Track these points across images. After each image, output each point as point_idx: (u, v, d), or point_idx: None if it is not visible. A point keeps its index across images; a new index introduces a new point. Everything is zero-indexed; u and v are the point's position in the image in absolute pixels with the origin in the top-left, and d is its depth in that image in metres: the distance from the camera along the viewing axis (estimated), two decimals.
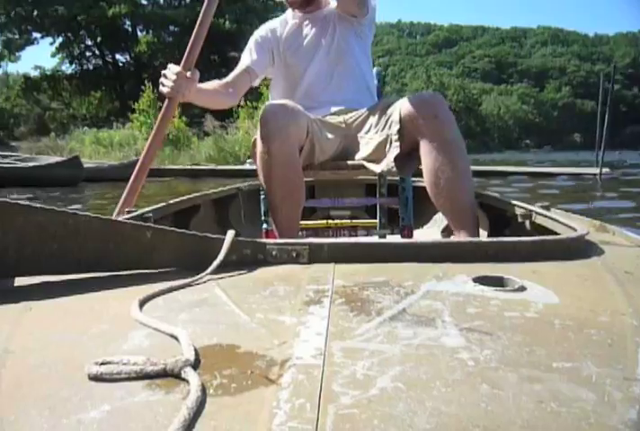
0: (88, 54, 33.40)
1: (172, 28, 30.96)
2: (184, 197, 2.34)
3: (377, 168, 1.80)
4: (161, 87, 1.73)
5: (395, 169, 1.78)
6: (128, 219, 1.40)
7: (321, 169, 1.97)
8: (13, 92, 33.17)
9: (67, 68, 33.78)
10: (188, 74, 1.73)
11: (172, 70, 1.71)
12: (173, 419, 0.45)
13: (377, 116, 1.83)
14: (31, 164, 11.03)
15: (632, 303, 0.77)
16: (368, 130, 1.85)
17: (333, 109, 1.96)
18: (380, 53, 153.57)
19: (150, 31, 31.77)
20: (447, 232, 2.83)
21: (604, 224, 1.49)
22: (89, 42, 32.90)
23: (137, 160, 1.81)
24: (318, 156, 1.87)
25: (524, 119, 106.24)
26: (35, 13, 29.60)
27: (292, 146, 1.65)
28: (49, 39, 32.23)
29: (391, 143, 1.71)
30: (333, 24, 2.03)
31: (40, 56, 40.15)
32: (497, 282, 0.86)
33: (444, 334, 0.65)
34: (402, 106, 1.68)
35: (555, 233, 1.36)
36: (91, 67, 33.50)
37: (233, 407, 0.49)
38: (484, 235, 2.30)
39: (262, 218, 2.01)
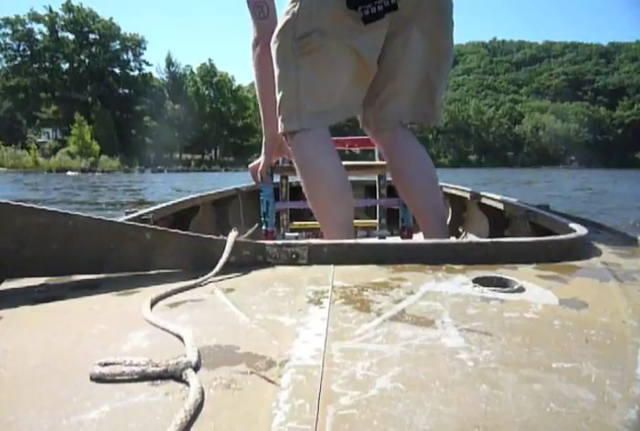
0: None
1: None
2: (184, 199, 2.33)
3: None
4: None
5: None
6: (127, 220, 1.40)
7: None
8: None
9: None
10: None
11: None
12: (172, 421, 0.45)
13: None
14: None
15: (631, 304, 0.78)
16: None
17: None
18: (460, 71, 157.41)
19: None
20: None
21: (603, 224, 1.51)
22: None
23: None
24: None
25: (568, 138, 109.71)
26: None
27: None
28: None
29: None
30: None
31: None
32: (497, 283, 0.87)
33: (443, 335, 0.65)
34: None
35: (555, 234, 1.37)
36: None
37: (232, 407, 0.48)
38: (484, 236, 2.32)
39: (262, 219, 1.96)
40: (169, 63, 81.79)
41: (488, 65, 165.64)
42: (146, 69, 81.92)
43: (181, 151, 78.28)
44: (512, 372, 0.55)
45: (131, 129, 71.09)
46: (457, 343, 0.62)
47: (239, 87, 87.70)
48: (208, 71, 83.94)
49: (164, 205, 2.09)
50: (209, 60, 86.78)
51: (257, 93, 1.70)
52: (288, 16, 1.44)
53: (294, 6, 1.43)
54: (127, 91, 75.94)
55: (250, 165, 1.86)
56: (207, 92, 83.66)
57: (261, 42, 1.58)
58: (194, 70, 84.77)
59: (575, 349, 0.61)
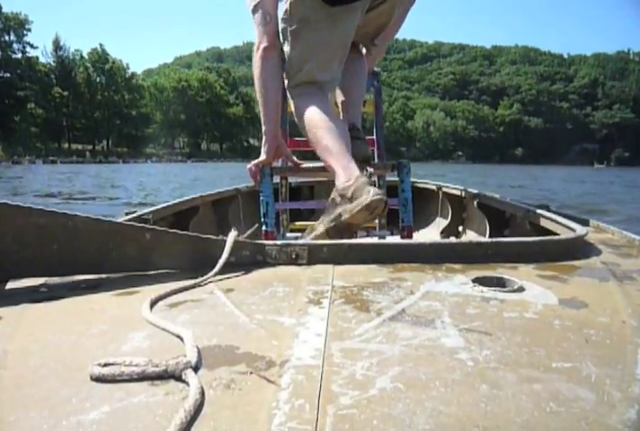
0: None
1: None
2: (183, 199, 2.33)
3: None
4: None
5: None
6: (127, 221, 1.41)
7: (321, 170, 1.91)
8: None
9: None
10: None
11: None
12: (172, 421, 0.45)
13: None
14: None
15: (630, 304, 0.78)
16: None
17: None
18: None
19: None
20: (446, 232, 2.85)
21: (602, 224, 1.51)
22: None
23: None
24: None
25: (456, 134, 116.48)
26: None
27: None
28: None
29: None
30: None
31: None
32: (496, 282, 0.87)
33: (443, 334, 0.65)
34: None
35: (555, 234, 1.37)
36: None
37: (232, 407, 0.49)
38: (484, 236, 2.31)
39: (262, 220, 1.97)
40: (56, 46, 75.73)
41: (382, 62, 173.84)
42: (31, 52, 75.22)
43: (69, 140, 74.11)
44: (512, 371, 0.55)
45: (14, 116, 66.10)
46: (456, 343, 0.62)
47: (133, 75, 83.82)
48: (100, 57, 79.50)
49: (163, 205, 2.09)
50: (100, 45, 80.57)
51: (258, 95, 1.78)
52: (281, 16, 1.69)
53: (285, 4, 1.66)
54: (8, 74, 70.28)
55: (248, 166, 1.90)
56: (98, 79, 78.80)
57: (262, 46, 1.71)
58: (85, 55, 79.75)
59: (575, 349, 0.61)
